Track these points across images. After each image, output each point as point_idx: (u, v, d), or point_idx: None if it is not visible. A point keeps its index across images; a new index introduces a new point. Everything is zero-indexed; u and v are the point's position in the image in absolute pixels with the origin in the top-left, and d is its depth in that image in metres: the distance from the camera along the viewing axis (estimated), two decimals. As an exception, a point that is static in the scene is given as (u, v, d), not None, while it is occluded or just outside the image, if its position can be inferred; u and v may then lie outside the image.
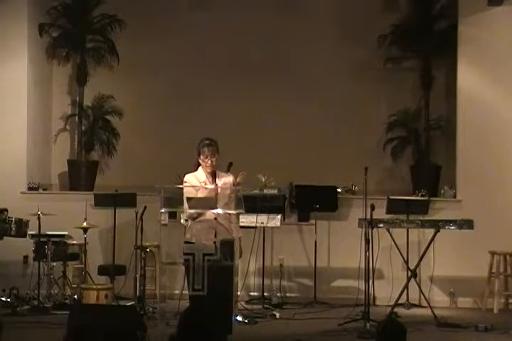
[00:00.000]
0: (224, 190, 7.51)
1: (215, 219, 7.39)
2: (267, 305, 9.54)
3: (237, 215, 7.42)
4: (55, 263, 9.43)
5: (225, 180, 7.59)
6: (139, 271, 9.07)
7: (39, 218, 9.14)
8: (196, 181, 7.54)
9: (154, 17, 11.23)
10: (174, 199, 7.47)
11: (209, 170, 7.57)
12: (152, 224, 8.58)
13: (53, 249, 9.32)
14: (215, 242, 7.14)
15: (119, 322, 6.38)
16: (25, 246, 9.55)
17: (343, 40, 11.06)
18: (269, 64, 11.08)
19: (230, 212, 7.38)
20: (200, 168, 7.62)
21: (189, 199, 7.30)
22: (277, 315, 8.98)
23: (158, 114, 11.26)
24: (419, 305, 9.68)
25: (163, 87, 11.23)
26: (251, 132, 11.01)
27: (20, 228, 9.30)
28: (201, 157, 7.55)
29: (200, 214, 7.40)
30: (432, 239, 8.83)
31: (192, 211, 7.34)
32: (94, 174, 11.18)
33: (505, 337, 8.08)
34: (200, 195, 7.41)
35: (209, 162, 7.53)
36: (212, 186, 7.48)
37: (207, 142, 7.58)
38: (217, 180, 7.57)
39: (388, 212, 9.59)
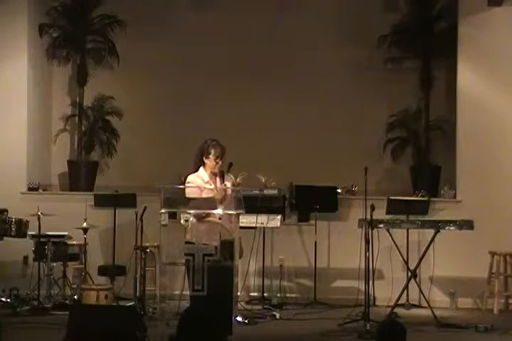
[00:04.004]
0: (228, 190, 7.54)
1: (220, 219, 7.40)
2: (267, 306, 9.53)
3: (238, 216, 7.41)
4: (55, 264, 9.41)
5: (229, 181, 7.63)
6: (138, 271, 9.06)
7: (39, 218, 9.14)
8: (201, 181, 7.51)
9: (154, 17, 11.22)
10: (174, 200, 7.45)
11: (216, 171, 7.55)
12: (152, 225, 8.56)
13: (53, 249, 9.31)
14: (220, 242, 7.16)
15: (119, 323, 6.38)
16: (25, 246, 9.55)
17: (343, 40, 11.06)
18: (269, 64, 11.08)
19: (231, 212, 7.38)
20: (201, 168, 7.60)
21: (191, 199, 7.30)
22: (277, 316, 8.97)
23: (158, 114, 11.26)
24: (419, 306, 9.67)
25: (163, 87, 11.22)
26: (251, 132, 11.00)
27: (20, 228, 9.29)
28: (210, 157, 7.49)
29: (208, 214, 7.39)
30: (432, 240, 8.83)
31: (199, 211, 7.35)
32: (94, 174, 11.17)
33: (506, 337, 8.07)
34: (204, 195, 7.41)
35: (220, 162, 7.52)
36: (221, 186, 7.51)
37: (215, 143, 7.54)
38: (225, 180, 7.59)
39: (388, 212, 9.59)
